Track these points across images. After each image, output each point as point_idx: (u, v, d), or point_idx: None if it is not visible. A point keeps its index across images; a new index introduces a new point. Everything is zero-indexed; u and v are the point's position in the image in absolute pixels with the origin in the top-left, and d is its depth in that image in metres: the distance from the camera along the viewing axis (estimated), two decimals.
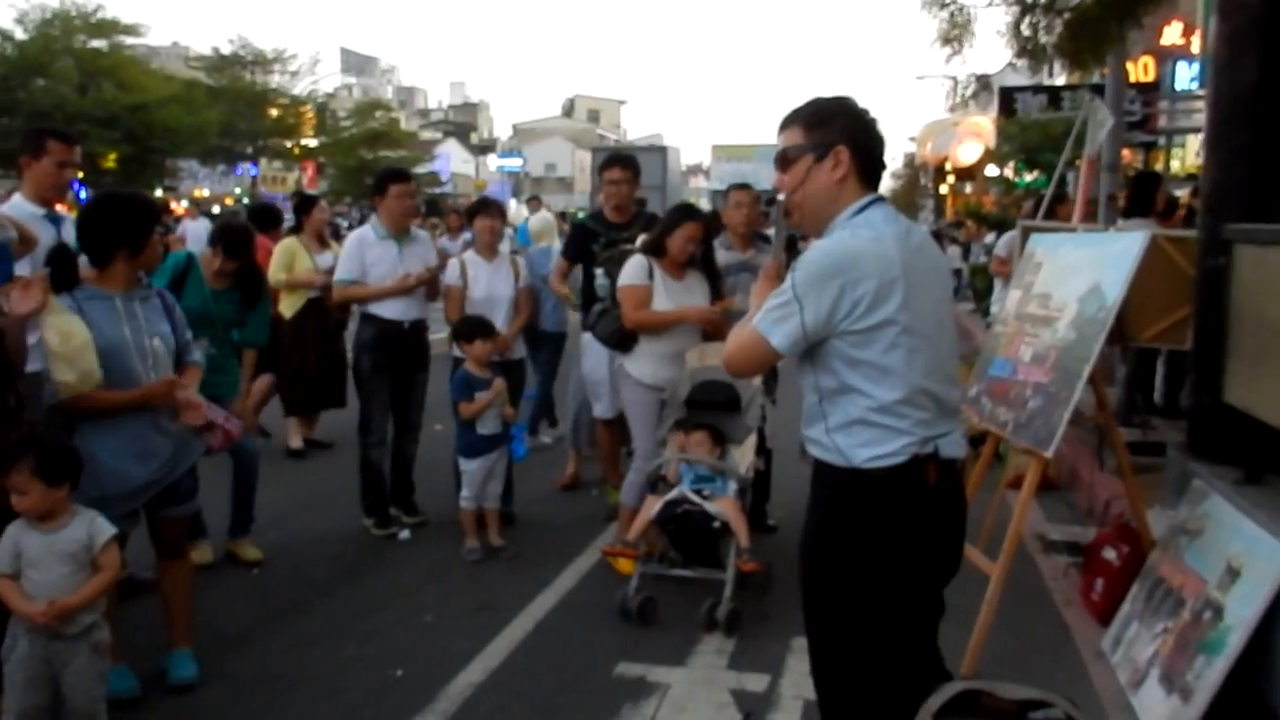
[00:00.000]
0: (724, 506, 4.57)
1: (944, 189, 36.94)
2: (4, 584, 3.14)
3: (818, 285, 2.34)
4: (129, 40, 29.39)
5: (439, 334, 6.26)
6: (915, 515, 2.42)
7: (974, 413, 4.58)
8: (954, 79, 10.22)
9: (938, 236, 22.47)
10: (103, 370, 3.50)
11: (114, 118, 27.22)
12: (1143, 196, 7.47)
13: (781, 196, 2.61)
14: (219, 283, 5.07)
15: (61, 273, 3.58)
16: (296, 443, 7.53)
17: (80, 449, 3.51)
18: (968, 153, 26.80)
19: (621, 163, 5.98)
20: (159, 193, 29.15)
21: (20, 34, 27.16)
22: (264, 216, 8.20)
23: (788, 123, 2.56)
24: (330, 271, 6.98)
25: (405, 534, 5.72)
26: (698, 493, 4.63)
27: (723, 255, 5.61)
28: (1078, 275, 4.38)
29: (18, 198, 4.43)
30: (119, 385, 3.55)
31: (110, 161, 27.66)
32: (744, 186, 5.91)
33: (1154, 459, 5.83)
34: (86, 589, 3.18)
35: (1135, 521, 4.59)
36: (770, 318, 2.41)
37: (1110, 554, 4.57)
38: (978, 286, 14.78)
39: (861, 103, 2.58)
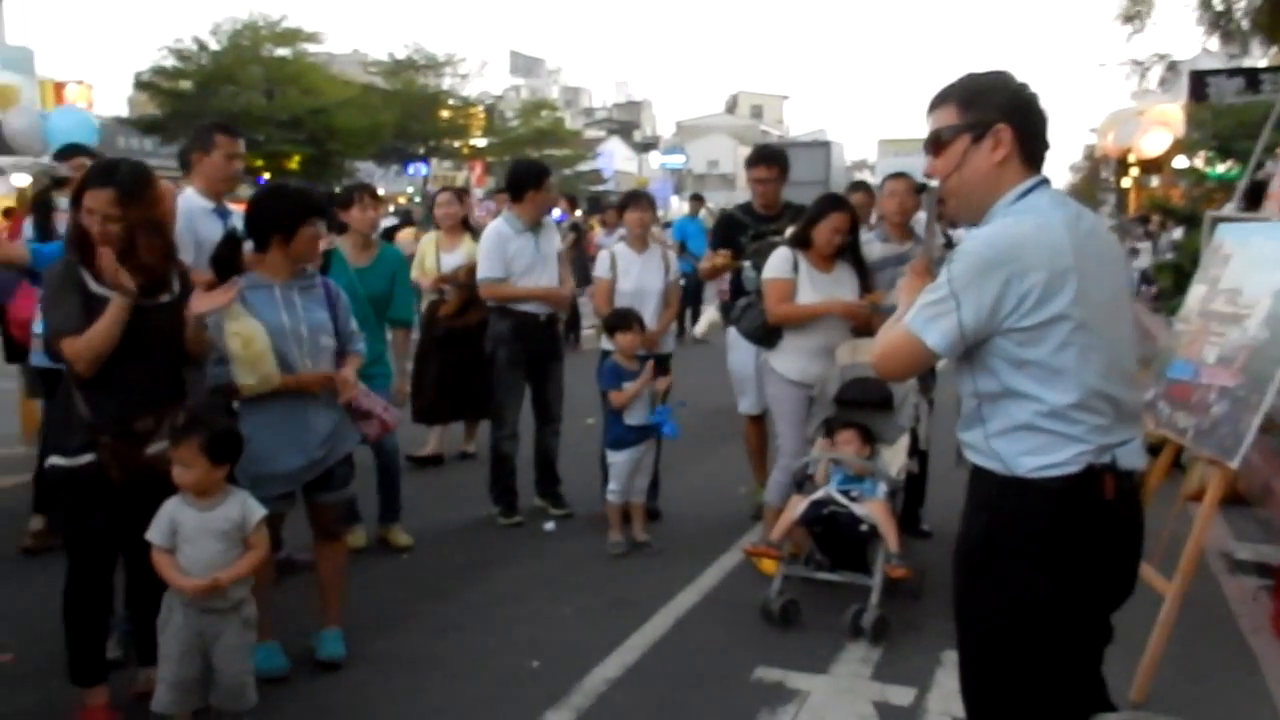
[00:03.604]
0: (873, 509, 4.38)
1: (1126, 182, 34.97)
2: (162, 557, 3.26)
3: (979, 279, 2.14)
4: (311, 48, 30.82)
5: (588, 329, 6.25)
6: (1088, 532, 2.19)
7: (1151, 418, 4.23)
8: (1138, 62, 9.57)
9: (1120, 232, 21.28)
10: None
11: (297, 121, 28.63)
12: None
13: (934, 183, 2.43)
14: (362, 259, 5.18)
15: (227, 258, 3.73)
16: (429, 449, 7.16)
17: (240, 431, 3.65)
18: (1153, 143, 25.24)
19: (767, 160, 5.81)
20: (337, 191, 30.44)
21: (214, 44, 28.96)
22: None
23: (940, 101, 2.35)
24: (456, 274, 6.79)
25: (550, 525, 5.75)
26: (845, 494, 4.45)
27: (878, 248, 5.40)
28: (1272, 269, 3.99)
29: (189, 192, 4.63)
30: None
31: (294, 163, 29.11)
32: (899, 175, 5.67)
33: None
34: (241, 564, 3.29)
35: None
36: (924, 315, 2.21)
37: None
38: (1163, 285, 13.86)
39: (1026, 82, 2.37)
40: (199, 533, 3.26)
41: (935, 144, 2.34)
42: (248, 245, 3.90)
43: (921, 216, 5.62)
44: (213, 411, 3.48)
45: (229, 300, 3.43)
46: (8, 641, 4.10)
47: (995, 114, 2.27)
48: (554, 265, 5.80)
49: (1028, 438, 2.19)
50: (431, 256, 6.98)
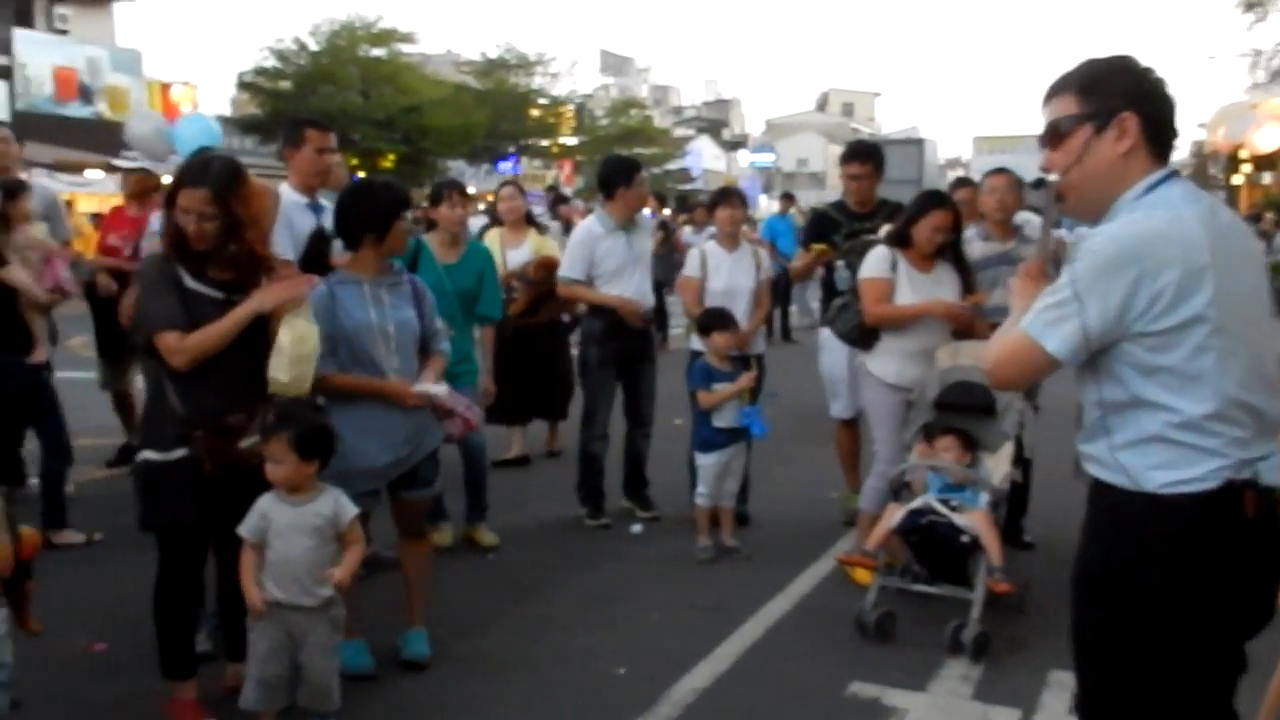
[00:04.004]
0: (974, 519, 4.19)
1: (1237, 179, 33.61)
2: (249, 556, 3.26)
3: (1106, 278, 1.98)
4: (406, 48, 31.46)
5: (677, 328, 6.16)
6: (1226, 553, 2.01)
7: None
8: (1257, 52, 9.09)
9: None
10: (346, 351, 3.61)
11: (391, 120, 29.23)
12: None
13: (1052, 178, 2.26)
14: (450, 256, 5.16)
15: (315, 256, 3.74)
16: (513, 452, 7.01)
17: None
18: (1268, 138, 24.19)
19: (862, 156, 5.63)
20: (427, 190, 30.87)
21: (313, 45, 29.73)
22: None
23: (1057, 90, 2.18)
24: (524, 270, 6.60)
25: (637, 528, 5.67)
26: (945, 503, 4.27)
27: (980, 246, 5.20)
28: None
29: (284, 188, 4.66)
30: (360, 367, 3.66)
31: (388, 161, 29.67)
32: (1000, 171, 5.45)
33: None
34: (348, 561, 3.28)
35: None
36: (1044, 319, 2.06)
37: None
38: (1279, 286, 13.19)
39: (1151, 66, 2.19)
40: (291, 528, 3.25)
41: (1053, 136, 2.18)
42: (336, 244, 3.89)
43: (1024, 215, 5.41)
44: (302, 407, 3.47)
45: (298, 294, 3.38)
46: (102, 631, 4.17)
47: (1119, 101, 2.10)
48: (646, 267, 5.73)
49: (1159, 450, 2.02)
50: (496, 253, 6.62)
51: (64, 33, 26.80)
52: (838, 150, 5.91)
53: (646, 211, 7.06)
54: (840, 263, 5.32)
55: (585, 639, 4.22)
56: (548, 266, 6.37)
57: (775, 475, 6.47)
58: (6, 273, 4.95)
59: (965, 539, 4.16)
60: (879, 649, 4.10)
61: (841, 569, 4.82)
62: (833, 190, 50.63)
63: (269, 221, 4.41)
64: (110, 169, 17.76)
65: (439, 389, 3.77)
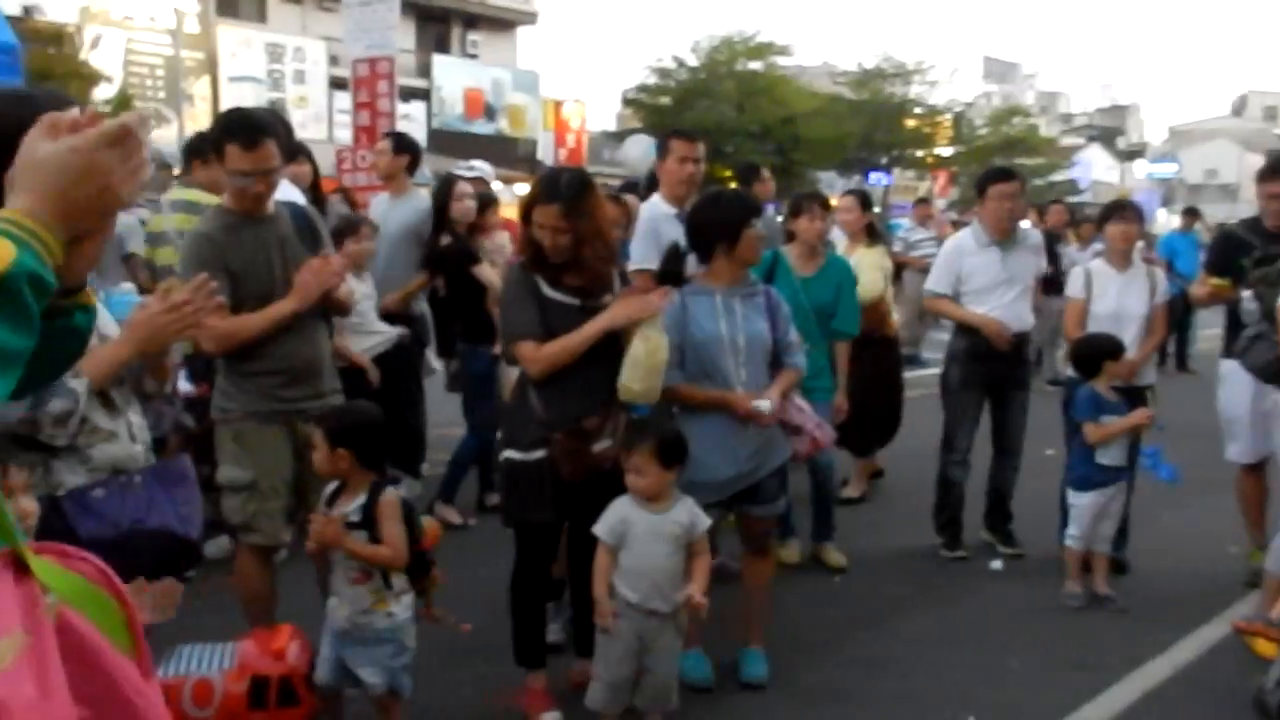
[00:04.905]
0: None
1: None
2: (604, 559, 3.32)
3: None
4: (782, 61, 31.82)
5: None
6: None
7: None
8: None
9: None
10: (695, 363, 3.64)
11: (766, 132, 29.66)
12: None
13: None
14: (808, 269, 5.06)
15: (671, 269, 3.80)
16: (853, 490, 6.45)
17: None
18: None
19: None
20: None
21: (692, 61, 30.87)
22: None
23: None
24: None
25: (997, 564, 5.29)
26: None
27: None
28: None
29: (655, 198, 4.80)
30: (709, 379, 3.66)
31: None
32: None
33: None
34: (699, 578, 3.29)
35: None
36: None
37: None
38: None
39: None
40: (649, 535, 3.28)
41: None
42: (690, 258, 3.91)
43: None
44: (660, 417, 3.53)
45: (656, 309, 3.43)
46: (469, 613, 4.45)
47: None
48: (1023, 286, 5.28)
49: None
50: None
51: (474, 57, 29.73)
52: (1256, 160, 5.18)
53: (1026, 224, 6.54)
54: (1248, 293, 4.64)
55: (932, 680, 3.97)
56: None
57: (1163, 521, 5.79)
58: (479, 270, 5.54)
59: None
60: None
61: (1239, 637, 4.20)
62: (1247, 204, 44.97)
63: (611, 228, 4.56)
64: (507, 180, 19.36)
65: (764, 404, 3.65)
